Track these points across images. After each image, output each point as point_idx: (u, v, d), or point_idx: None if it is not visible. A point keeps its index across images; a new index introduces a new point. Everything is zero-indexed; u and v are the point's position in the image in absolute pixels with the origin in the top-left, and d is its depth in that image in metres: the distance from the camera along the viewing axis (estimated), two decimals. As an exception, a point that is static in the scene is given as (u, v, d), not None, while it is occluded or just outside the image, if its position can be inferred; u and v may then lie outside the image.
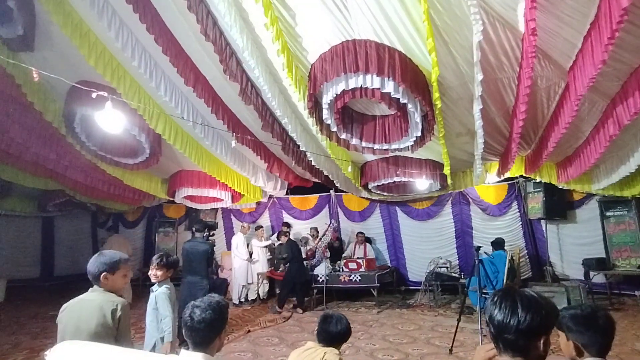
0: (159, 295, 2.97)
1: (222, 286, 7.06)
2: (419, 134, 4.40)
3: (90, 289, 2.17)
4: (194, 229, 5.93)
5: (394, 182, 6.47)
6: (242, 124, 5.42)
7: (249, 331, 5.64)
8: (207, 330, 1.59)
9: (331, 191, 8.98)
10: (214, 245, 6.26)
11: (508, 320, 1.15)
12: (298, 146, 5.51)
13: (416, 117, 4.07)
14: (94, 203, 9.49)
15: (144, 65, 4.06)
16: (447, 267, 7.43)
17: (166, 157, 6.64)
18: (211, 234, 6.59)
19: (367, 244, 8.22)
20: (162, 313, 2.91)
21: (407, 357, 4.47)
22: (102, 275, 2.12)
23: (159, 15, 3.72)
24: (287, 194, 9.06)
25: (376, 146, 4.80)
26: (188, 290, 4.97)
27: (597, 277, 6.56)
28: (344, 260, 7.49)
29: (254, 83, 4.40)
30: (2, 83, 4.63)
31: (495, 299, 1.20)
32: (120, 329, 2.09)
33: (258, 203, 9.40)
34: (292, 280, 6.95)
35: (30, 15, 3.92)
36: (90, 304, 2.08)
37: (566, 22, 2.71)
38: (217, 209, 9.69)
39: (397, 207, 8.57)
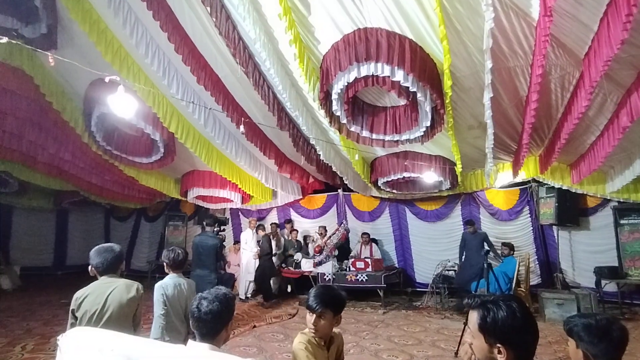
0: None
1: (229, 281, 7.14)
2: (429, 124, 4.38)
3: (105, 276, 2.37)
4: (204, 223, 6.00)
5: (404, 178, 6.42)
6: (253, 122, 5.44)
7: (254, 326, 5.68)
8: (214, 322, 1.61)
9: (339, 190, 8.98)
10: (224, 240, 6.33)
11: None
12: (308, 141, 5.50)
13: (426, 107, 4.04)
14: (107, 203, 9.78)
15: (157, 63, 4.15)
16: (455, 270, 7.37)
17: (180, 158, 6.75)
18: (222, 229, 6.65)
19: (374, 245, 8.19)
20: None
21: (411, 358, 4.45)
22: (120, 265, 2.47)
23: (172, 13, 3.78)
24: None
25: (387, 138, 4.78)
26: (196, 283, 5.03)
27: (609, 286, 6.44)
28: (351, 260, 7.49)
29: (265, 77, 4.42)
30: (21, 84, 4.77)
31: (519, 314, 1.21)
32: (138, 307, 2.41)
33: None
34: (262, 274, 7.27)
35: (53, 13, 4.03)
36: (117, 285, 2.33)
37: (582, 3, 2.64)
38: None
39: (406, 208, 8.53)
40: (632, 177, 5.07)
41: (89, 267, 2.41)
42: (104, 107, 4.96)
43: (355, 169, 6.34)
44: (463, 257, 7.20)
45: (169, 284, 2.85)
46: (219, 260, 5.67)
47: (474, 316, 1.29)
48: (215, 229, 6.06)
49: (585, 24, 2.84)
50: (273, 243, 8.20)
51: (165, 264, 2.93)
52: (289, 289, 7.97)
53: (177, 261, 2.91)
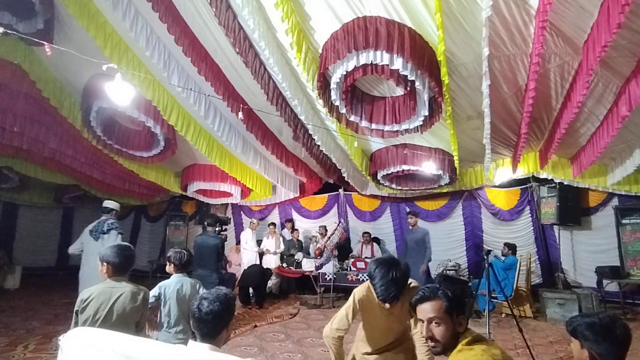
0: None
1: (230, 281, 7.15)
2: (427, 113, 4.36)
3: (114, 277, 2.37)
4: (205, 222, 5.98)
5: (403, 171, 6.37)
6: (255, 113, 5.41)
7: (255, 326, 5.67)
8: (215, 322, 1.61)
9: (340, 190, 8.98)
10: (225, 240, 6.32)
11: None
12: (307, 131, 5.46)
13: (424, 95, 4.03)
14: (107, 198, 9.76)
15: (158, 55, 4.11)
16: (455, 270, 7.36)
17: (180, 151, 6.74)
18: (223, 228, 6.63)
19: (375, 244, 8.18)
20: None
21: (412, 358, 4.44)
22: (132, 267, 2.49)
23: (172, 4, 3.74)
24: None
25: (386, 128, 4.75)
26: (197, 283, 5.05)
27: (611, 286, 6.43)
28: (352, 260, 7.49)
29: (265, 66, 4.38)
30: (17, 80, 4.74)
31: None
32: (143, 313, 2.44)
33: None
34: (248, 279, 7.09)
35: (50, 8, 3.98)
36: (123, 291, 2.33)
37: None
38: (227, 204, 9.81)
39: (407, 208, 8.53)
40: (633, 167, 5.05)
41: (102, 265, 2.40)
42: (103, 101, 4.95)
43: (353, 160, 6.26)
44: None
45: (170, 283, 2.92)
46: (220, 260, 5.67)
47: (435, 304, 1.47)
48: (217, 229, 6.05)
49: (585, 10, 2.83)
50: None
51: (173, 265, 3.00)
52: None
53: (183, 261, 3.03)
